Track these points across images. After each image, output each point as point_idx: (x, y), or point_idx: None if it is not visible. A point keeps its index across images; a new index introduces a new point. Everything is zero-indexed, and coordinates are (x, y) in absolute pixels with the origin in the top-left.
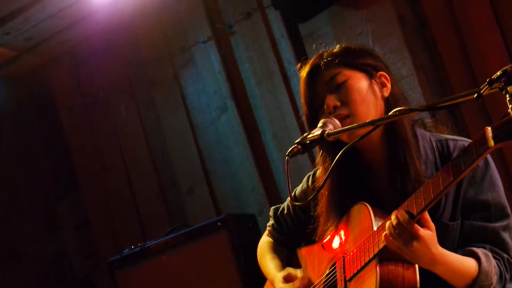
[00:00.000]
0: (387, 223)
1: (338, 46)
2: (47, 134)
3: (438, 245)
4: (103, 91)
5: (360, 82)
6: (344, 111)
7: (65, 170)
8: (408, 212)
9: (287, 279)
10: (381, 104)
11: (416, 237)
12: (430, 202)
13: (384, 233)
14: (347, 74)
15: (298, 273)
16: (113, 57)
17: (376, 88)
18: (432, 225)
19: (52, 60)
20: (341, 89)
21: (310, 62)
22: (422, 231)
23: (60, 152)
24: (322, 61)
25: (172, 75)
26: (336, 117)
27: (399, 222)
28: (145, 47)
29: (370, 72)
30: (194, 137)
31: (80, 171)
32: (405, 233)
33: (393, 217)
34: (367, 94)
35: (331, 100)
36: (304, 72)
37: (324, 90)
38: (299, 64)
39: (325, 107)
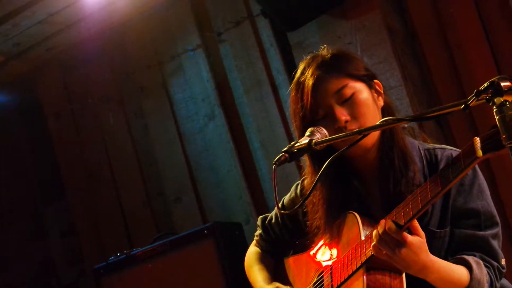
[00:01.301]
0: (374, 232)
1: (330, 52)
2: (34, 141)
3: (428, 252)
4: (91, 98)
5: (365, 94)
6: (354, 126)
7: (51, 177)
8: (395, 222)
9: None
10: (379, 113)
11: (404, 244)
12: (418, 212)
13: (373, 243)
14: (353, 86)
15: None
16: (102, 64)
17: (375, 97)
18: (421, 232)
19: (40, 67)
20: (350, 103)
21: (312, 71)
22: (411, 238)
23: (47, 159)
24: (326, 71)
25: (161, 83)
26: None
27: (385, 231)
28: (134, 54)
29: (368, 82)
30: (182, 145)
31: (66, 178)
32: (392, 241)
33: (380, 226)
34: (372, 105)
35: (343, 115)
36: (309, 82)
37: (329, 101)
38: (297, 72)
39: (337, 121)
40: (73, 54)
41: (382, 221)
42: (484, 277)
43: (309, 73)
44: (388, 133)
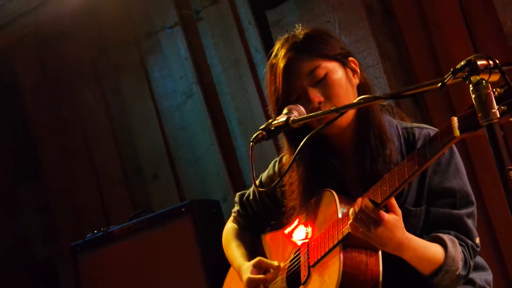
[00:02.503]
0: (350, 210)
1: (303, 32)
2: (9, 117)
3: (404, 230)
4: (67, 75)
5: (338, 73)
6: (328, 106)
7: (27, 154)
8: (372, 201)
9: (258, 267)
10: (355, 92)
11: (380, 222)
12: (395, 190)
13: (349, 221)
14: (326, 66)
15: (273, 263)
16: (77, 40)
17: (350, 75)
18: (398, 210)
19: (16, 43)
20: (323, 84)
21: (284, 53)
22: (387, 216)
23: (23, 136)
24: (298, 53)
25: (138, 60)
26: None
27: (361, 209)
28: (111, 31)
29: (343, 60)
30: (159, 122)
31: (42, 155)
32: (368, 219)
33: (356, 204)
34: (346, 85)
35: (316, 96)
36: (280, 64)
37: (303, 83)
38: (272, 52)
39: (310, 102)
40: (49, 31)
41: (359, 199)
42: (459, 255)
43: (281, 54)
44: (364, 111)
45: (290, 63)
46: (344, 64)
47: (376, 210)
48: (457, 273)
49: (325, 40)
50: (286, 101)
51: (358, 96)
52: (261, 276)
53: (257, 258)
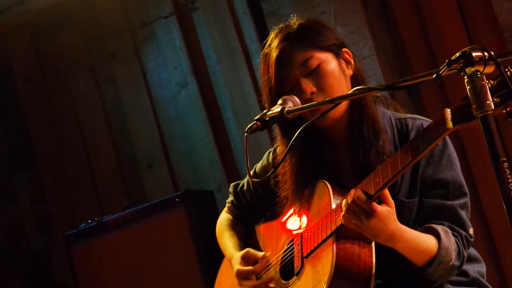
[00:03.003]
0: (343, 202)
1: (298, 23)
2: (3, 106)
3: (397, 221)
4: (62, 64)
5: (331, 64)
6: (321, 97)
7: (21, 143)
8: (365, 192)
9: (246, 258)
10: (349, 83)
11: (372, 213)
12: (388, 182)
13: (342, 212)
14: (319, 57)
15: (258, 254)
16: (73, 30)
17: (344, 66)
18: (391, 201)
19: (10, 32)
20: (316, 74)
21: (277, 43)
22: (379, 208)
23: (17, 125)
24: (292, 44)
25: (133, 50)
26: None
27: (354, 201)
28: (105, 20)
29: (336, 51)
30: (154, 112)
31: (37, 144)
32: (361, 210)
33: (349, 195)
34: (339, 76)
35: (309, 86)
36: (273, 54)
37: (296, 73)
38: (266, 42)
39: (303, 92)
40: (44, 19)
41: (352, 191)
42: (452, 245)
43: (274, 45)
44: (357, 102)
45: (283, 53)
46: (338, 55)
47: (369, 201)
48: (451, 263)
49: (319, 31)
50: (279, 92)
51: (352, 87)
52: (249, 267)
53: (245, 250)
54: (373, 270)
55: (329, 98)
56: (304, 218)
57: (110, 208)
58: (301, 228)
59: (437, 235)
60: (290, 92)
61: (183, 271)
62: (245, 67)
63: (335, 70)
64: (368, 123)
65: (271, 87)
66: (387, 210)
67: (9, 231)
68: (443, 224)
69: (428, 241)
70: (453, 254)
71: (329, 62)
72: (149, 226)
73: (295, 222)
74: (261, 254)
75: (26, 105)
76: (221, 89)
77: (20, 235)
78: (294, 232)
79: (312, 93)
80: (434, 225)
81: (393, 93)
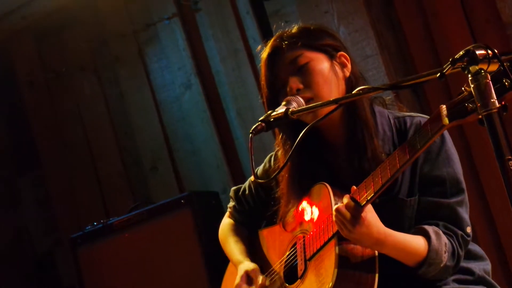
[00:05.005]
0: (333, 209)
1: (296, 26)
2: (7, 110)
3: (380, 227)
4: (65, 67)
5: (322, 64)
6: (307, 94)
7: (26, 146)
8: (353, 199)
9: (249, 276)
10: (342, 84)
11: (356, 220)
12: (388, 181)
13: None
14: (309, 55)
15: (258, 278)
16: (76, 32)
17: (337, 68)
18: (369, 205)
19: (13, 35)
20: (304, 72)
21: (271, 43)
22: (363, 214)
23: (21, 128)
24: (283, 43)
25: (136, 52)
26: None
27: (337, 209)
28: (109, 23)
29: (331, 53)
30: (158, 114)
31: (41, 147)
32: (344, 218)
33: (336, 206)
34: (329, 75)
35: (294, 83)
36: (265, 54)
37: (286, 72)
38: (259, 47)
39: (288, 89)
40: (48, 23)
41: (345, 197)
42: (443, 247)
43: (268, 44)
44: (349, 105)
45: (274, 52)
46: (332, 57)
47: (356, 209)
48: (442, 265)
49: (314, 32)
50: (271, 90)
51: (346, 90)
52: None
53: (254, 266)
54: (377, 271)
55: (333, 99)
56: (306, 221)
57: (115, 210)
58: (304, 231)
59: (427, 237)
60: (283, 90)
61: (189, 272)
62: (248, 67)
63: (325, 69)
64: (362, 125)
65: (263, 86)
66: (370, 216)
67: (14, 234)
68: (437, 224)
69: (416, 243)
70: (445, 256)
71: (319, 61)
72: (155, 228)
73: (297, 225)
74: (260, 278)
75: (30, 109)
76: (224, 89)
77: (26, 238)
78: (297, 236)
79: (298, 89)
80: (425, 226)
81: (397, 93)
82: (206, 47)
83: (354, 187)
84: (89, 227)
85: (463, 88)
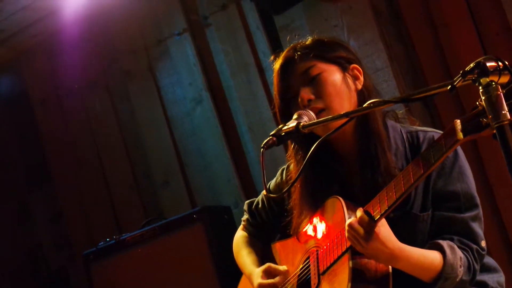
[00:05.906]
0: (346, 225)
1: (310, 38)
2: (20, 127)
3: (395, 241)
4: (77, 84)
5: (334, 75)
6: (319, 105)
7: (38, 163)
8: (367, 213)
9: (268, 273)
10: (354, 96)
11: (370, 235)
12: (402, 195)
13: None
14: (321, 67)
15: (279, 267)
16: (88, 49)
17: (350, 80)
18: (383, 220)
19: (25, 53)
20: (316, 82)
21: (283, 54)
22: (376, 229)
23: (33, 145)
24: (296, 53)
25: (147, 67)
26: (310, 110)
27: (349, 224)
28: (120, 39)
29: (343, 65)
30: (169, 129)
31: (53, 164)
32: (357, 233)
33: (349, 220)
34: (341, 87)
35: (306, 93)
36: (277, 64)
37: (298, 82)
38: (272, 56)
39: (300, 100)
40: (58, 40)
41: (358, 211)
42: (458, 261)
43: (281, 55)
44: (362, 118)
45: (286, 62)
46: (344, 69)
47: (370, 223)
48: (458, 279)
49: (327, 44)
50: (283, 100)
51: (359, 102)
52: (271, 280)
53: (266, 265)
54: (390, 286)
55: (344, 112)
56: (319, 235)
57: (128, 226)
58: (317, 245)
59: (442, 251)
60: (295, 101)
61: (202, 287)
62: (259, 81)
63: (337, 81)
64: (375, 139)
65: (275, 97)
66: (385, 231)
67: (27, 251)
68: (452, 238)
69: (432, 258)
70: (460, 270)
71: (332, 72)
72: (167, 243)
73: (310, 239)
74: (282, 268)
75: (42, 126)
76: (235, 103)
77: (39, 255)
78: (310, 249)
79: (309, 100)
80: (440, 241)
81: (408, 106)
82: (217, 62)
83: (359, 210)
84: (102, 243)
85: (477, 103)
